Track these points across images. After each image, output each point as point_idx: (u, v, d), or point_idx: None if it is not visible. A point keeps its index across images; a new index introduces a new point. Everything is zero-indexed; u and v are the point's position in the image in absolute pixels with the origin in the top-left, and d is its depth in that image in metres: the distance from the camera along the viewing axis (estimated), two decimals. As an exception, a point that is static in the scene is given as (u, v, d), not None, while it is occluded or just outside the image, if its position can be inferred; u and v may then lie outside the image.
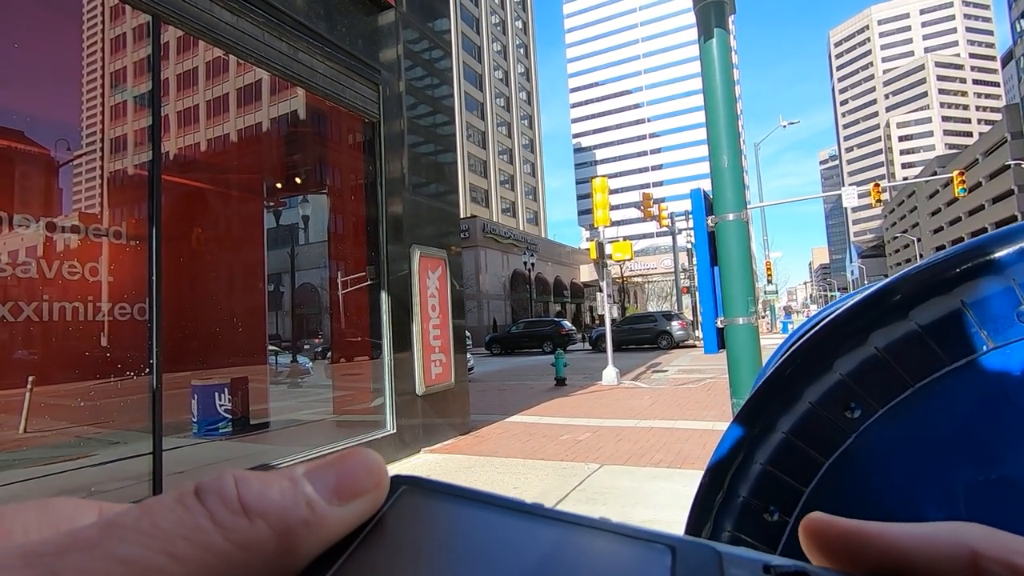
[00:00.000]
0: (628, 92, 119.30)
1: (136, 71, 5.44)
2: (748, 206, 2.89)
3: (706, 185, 3.26)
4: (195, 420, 5.85)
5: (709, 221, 2.77)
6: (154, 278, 3.95)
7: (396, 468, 5.46)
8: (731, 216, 2.68)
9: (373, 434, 5.69)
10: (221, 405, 5.89)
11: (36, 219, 3.92)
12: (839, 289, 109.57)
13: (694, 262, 37.76)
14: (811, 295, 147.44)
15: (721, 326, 2.71)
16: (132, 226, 4.54)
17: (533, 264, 37.45)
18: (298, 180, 8.62)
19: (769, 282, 36.67)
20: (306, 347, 10.78)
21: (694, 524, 0.41)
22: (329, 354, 7.96)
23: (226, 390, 5.94)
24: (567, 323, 28.40)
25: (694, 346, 24.20)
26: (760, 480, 0.39)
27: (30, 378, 4.01)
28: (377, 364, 6.07)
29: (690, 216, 31.55)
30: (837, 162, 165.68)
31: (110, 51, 5.41)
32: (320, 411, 7.28)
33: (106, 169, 5.13)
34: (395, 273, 6.12)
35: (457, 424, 6.84)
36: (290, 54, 5.22)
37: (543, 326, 27.19)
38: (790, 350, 0.41)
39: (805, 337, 0.40)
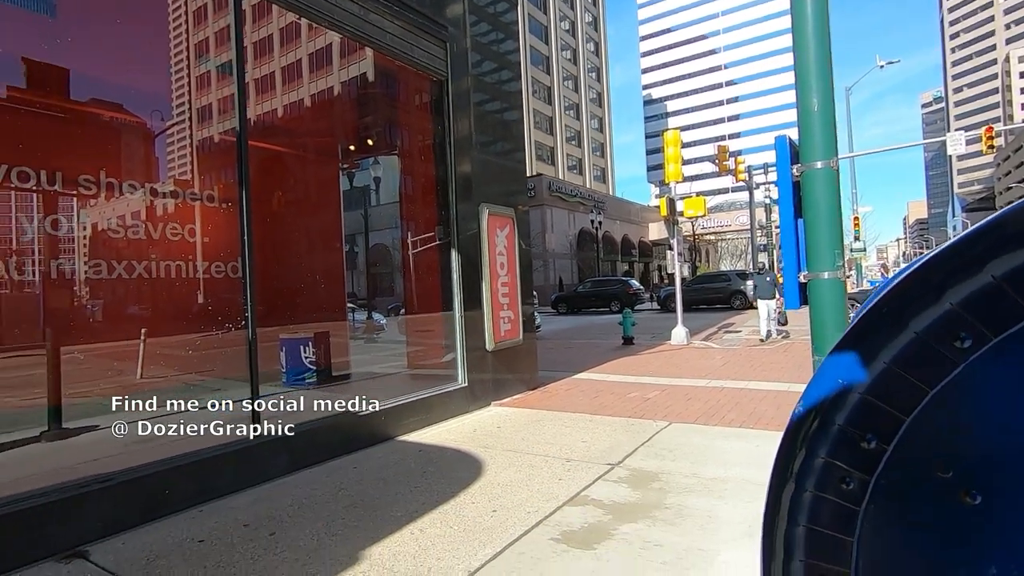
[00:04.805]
0: (703, 37, 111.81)
1: (217, 41, 5.68)
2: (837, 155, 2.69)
3: (788, 135, 3.05)
4: (284, 371, 6.33)
5: (794, 170, 2.61)
6: (245, 239, 4.25)
7: (467, 419, 5.69)
8: (819, 164, 2.50)
9: (446, 387, 5.94)
10: (306, 357, 6.32)
11: (141, 184, 4.28)
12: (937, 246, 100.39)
13: (772, 218, 35.52)
14: (904, 253, 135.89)
15: (804, 281, 2.58)
16: (222, 190, 4.86)
17: (600, 222, 36.81)
18: (369, 142, 8.82)
19: (856, 239, 34.16)
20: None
21: (785, 453, 0.42)
22: (402, 311, 8.28)
23: (310, 343, 6.36)
24: (635, 282, 27.94)
25: (770, 306, 23.19)
26: (858, 409, 0.38)
27: (143, 330, 4.47)
28: (448, 321, 6.27)
29: (769, 169, 29.65)
30: (942, 105, 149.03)
31: (193, 23, 5.67)
32: (395, 364, 7.64)
33: (195, 137, 5.48)
34: (464, 232, 6.22)
35: (526, 379, 7.00)
36: (360, 15, 5.28)
37: (610, 285, 26.92)
38: (894, 283, 0.40)
39: (911, 269, 0.39)
